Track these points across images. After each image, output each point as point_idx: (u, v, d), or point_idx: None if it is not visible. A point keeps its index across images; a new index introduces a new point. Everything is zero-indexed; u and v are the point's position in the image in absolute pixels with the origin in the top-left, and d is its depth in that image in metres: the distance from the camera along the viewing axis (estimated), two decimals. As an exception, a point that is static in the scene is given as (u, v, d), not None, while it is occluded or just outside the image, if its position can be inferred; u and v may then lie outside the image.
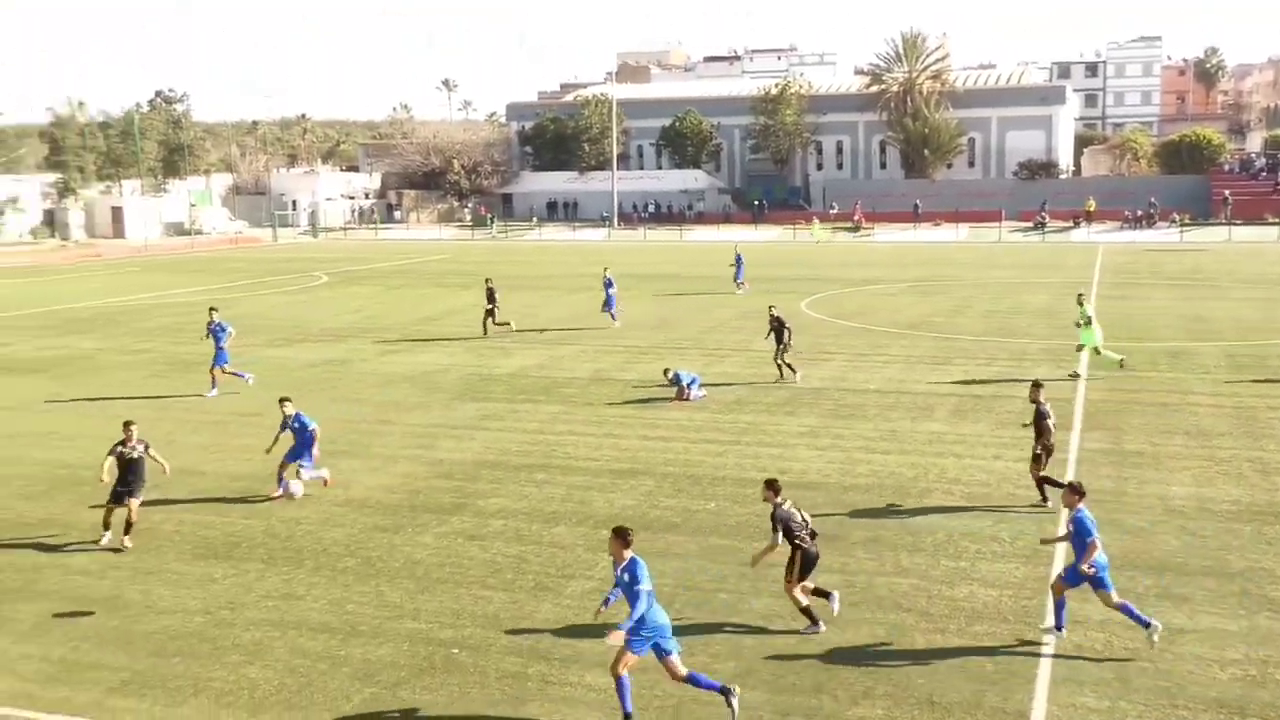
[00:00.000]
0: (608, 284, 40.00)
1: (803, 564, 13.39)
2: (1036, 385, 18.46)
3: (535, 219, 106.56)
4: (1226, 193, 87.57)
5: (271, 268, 67.19)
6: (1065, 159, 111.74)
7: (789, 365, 29.06)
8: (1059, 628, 13.25)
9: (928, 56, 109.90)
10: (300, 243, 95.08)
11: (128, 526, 16.67)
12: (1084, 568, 12.77)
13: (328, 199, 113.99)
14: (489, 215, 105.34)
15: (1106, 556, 13.13)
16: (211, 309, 29.48)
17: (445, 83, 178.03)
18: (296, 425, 18.96)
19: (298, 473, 18.94)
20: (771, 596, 14.65)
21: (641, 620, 11.36)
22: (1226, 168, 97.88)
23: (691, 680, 11.52)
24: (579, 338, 37.49)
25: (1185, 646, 13.02)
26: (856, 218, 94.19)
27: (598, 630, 13.64)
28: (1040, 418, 18.08)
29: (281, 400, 19.46)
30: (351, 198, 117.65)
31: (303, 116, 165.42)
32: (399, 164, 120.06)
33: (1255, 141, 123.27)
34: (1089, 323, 29.38)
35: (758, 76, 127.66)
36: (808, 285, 53.18)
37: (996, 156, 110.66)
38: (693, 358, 33.13)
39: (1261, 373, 28.87)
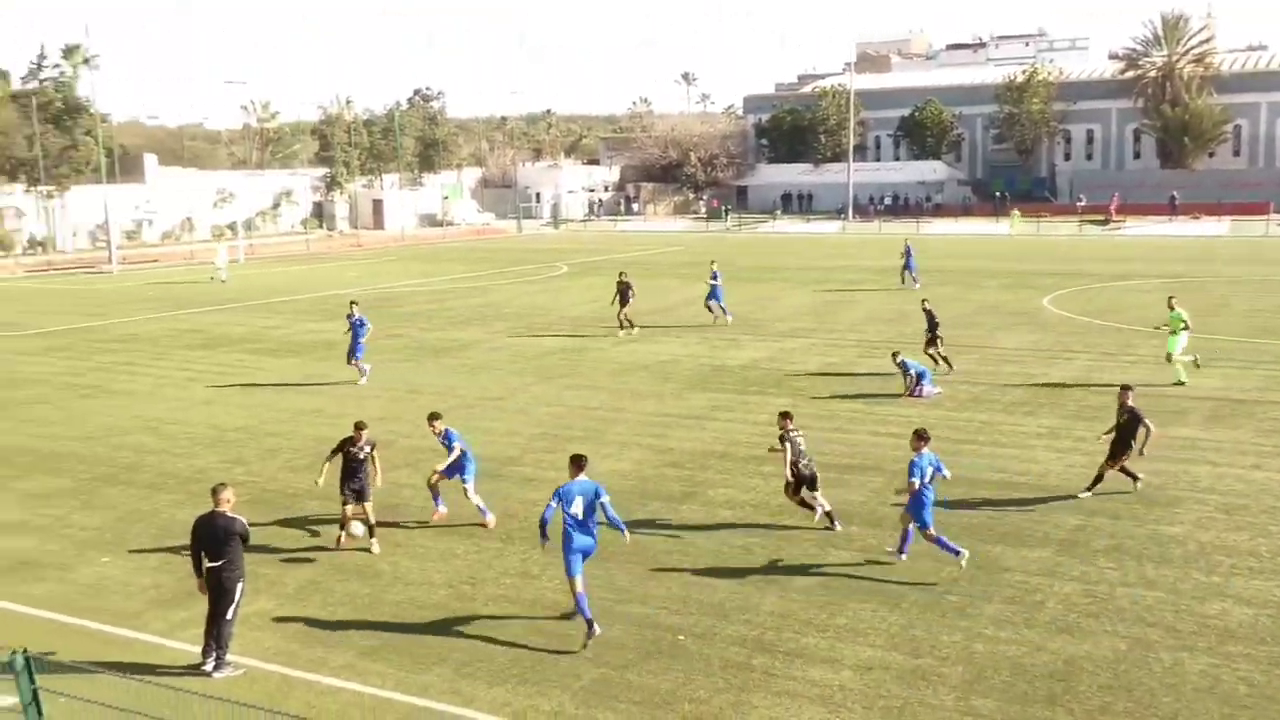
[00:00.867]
0: (714, 276, 38.85)
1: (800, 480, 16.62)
2: (1125, 388, 18.19)
3: (777, 210, 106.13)
4: None
5: (515, 257, 69.63)
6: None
7: (944, 357, 28.99)
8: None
9: (1190, 39, 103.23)
10: (542, 234, 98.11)
11: (370, 529, 16.31)
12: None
13: (569, 191, 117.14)
14: (724, 208, 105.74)
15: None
16: (353, 302, 29.87)
17: (684, 76, 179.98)
18: (445, 443, 17.22)
19: (465, 492, 17.36)
20: (1004, 602, 14.16)
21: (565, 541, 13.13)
22: None
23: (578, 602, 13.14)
24: (810, 331, 37.19)
25: None
26: (1113, 210, 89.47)
27: (823, 625, 13.53)
28: (1133, 421, 17.79)
29: (431, 417, 17.45)
30: (591, 190, 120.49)
31: (548, 112, 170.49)
32: (637, 157, 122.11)
33: None
34: (1183, 328, 27.25)
35: (1002, 64, 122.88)
36: (1052, 281, 50.95)
37: (1265, 144, 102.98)
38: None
39: None
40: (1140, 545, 16.02)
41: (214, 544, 12.43)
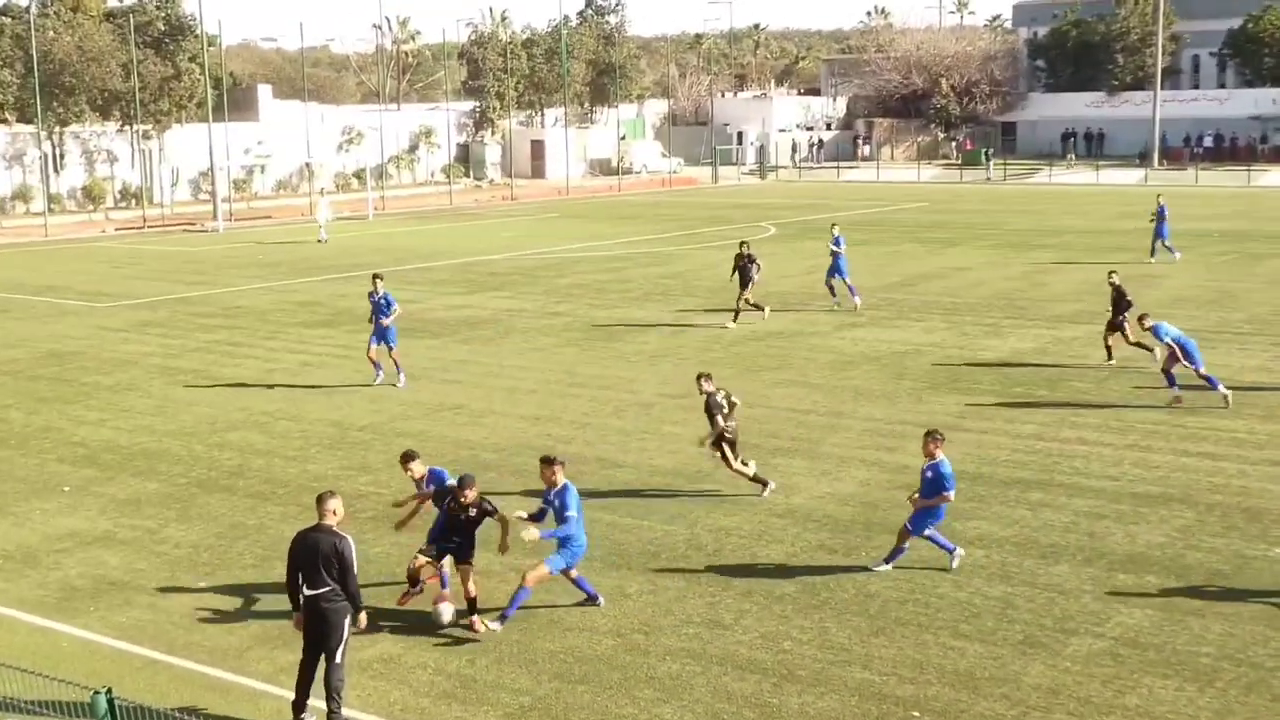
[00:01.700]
0: (836, 243, 37.57)
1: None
2: None
3: (1070, 157, 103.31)
4: None
5: (710, 215, 69.95)
6: None
7: (1108, 346, 29.14)
8: None
9: None
10: (744, 185, 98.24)
11: (471, 604, 15.41)
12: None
13: (780, 130, 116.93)
14: (985, 151, 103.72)
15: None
16: (376, 276, 29.07)
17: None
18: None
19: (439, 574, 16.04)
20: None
21: (567, 541, 15.28)
22: None
23: (577, 584, 15.77)
24: (1096, 316, 36.11)
25: None
26: None
27: (1107, 705, 13.16)
28: None
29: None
30: (809, 129, 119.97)
31: (756, 27, 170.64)
32: (870, 85, 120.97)
33: None
34: None
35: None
36: None
37: None
38: (1256, 345, 31.03)
39: None
40: None
41: (314, 567, 12.69)
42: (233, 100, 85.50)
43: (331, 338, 34.50)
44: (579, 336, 34.18)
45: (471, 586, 15.37)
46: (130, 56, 74.37)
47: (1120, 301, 28.87)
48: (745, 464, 20.32)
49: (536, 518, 15.88)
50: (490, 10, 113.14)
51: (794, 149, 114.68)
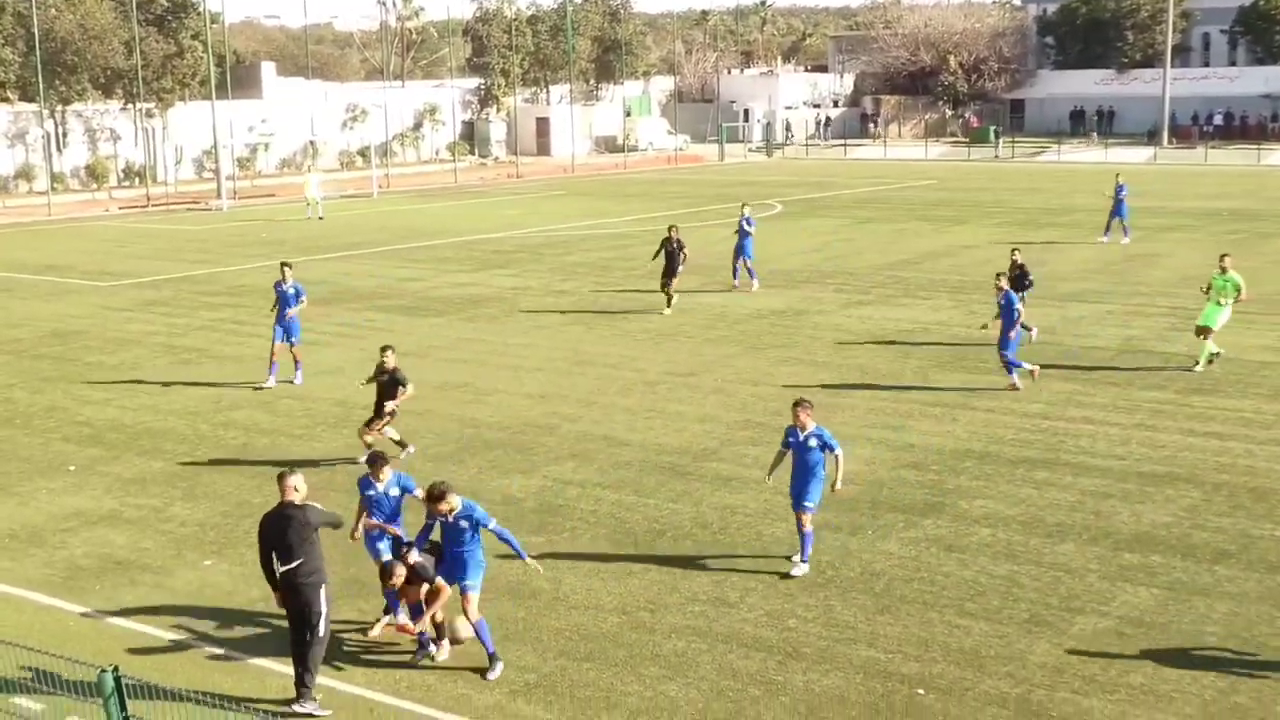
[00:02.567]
0: (747, 222, 37.33)
1: None
2: None
3: (1092, 132, 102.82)
4: None
5: (716, 193, 69.88)
6: None
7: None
8: None
9: None
10: (750, 162, 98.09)
11: (439, 630, 14.36)
12: None
13: (787, 107, 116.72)
14: (993, 128, 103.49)
15: None
16: (285, 265, 27.48)
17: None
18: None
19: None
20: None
21: (470, 556, 13.79)
22: None
23: (477, 629, 13.77)
24: (1105, 294, 36.17)
25: None
26: None
27: (1112, 684, 13.23)
28: None
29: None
30: (816, 106, 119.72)
31: (762, 4, 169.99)
32: (878, 62, 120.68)
33: None
34: (1224, 298, 26.25)
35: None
36: None
37: None
38: (1264, 324, 31.04)
39: None
40: None
41: (284, 544, 12.98)
42: (236, 78, 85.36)
43: (333, 316, 34.53)
44: (584, 314, 34.22)
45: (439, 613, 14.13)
46: (132, 34, 74.31)
47: (1022, 279, 28.82)
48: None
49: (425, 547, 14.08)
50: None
51: (817, 126, 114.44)
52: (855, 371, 27.22)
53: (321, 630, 13.00)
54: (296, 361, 27.13)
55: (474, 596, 13.80)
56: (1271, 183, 72.42)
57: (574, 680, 13.59)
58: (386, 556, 14.62)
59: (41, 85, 69.65)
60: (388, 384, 20.84)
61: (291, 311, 26.71)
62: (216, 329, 33.17)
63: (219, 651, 14.39)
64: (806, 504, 16.22)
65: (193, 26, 78.74)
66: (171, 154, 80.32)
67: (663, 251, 34.22)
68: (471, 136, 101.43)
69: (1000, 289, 25.28)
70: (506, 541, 14.11)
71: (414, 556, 13.87)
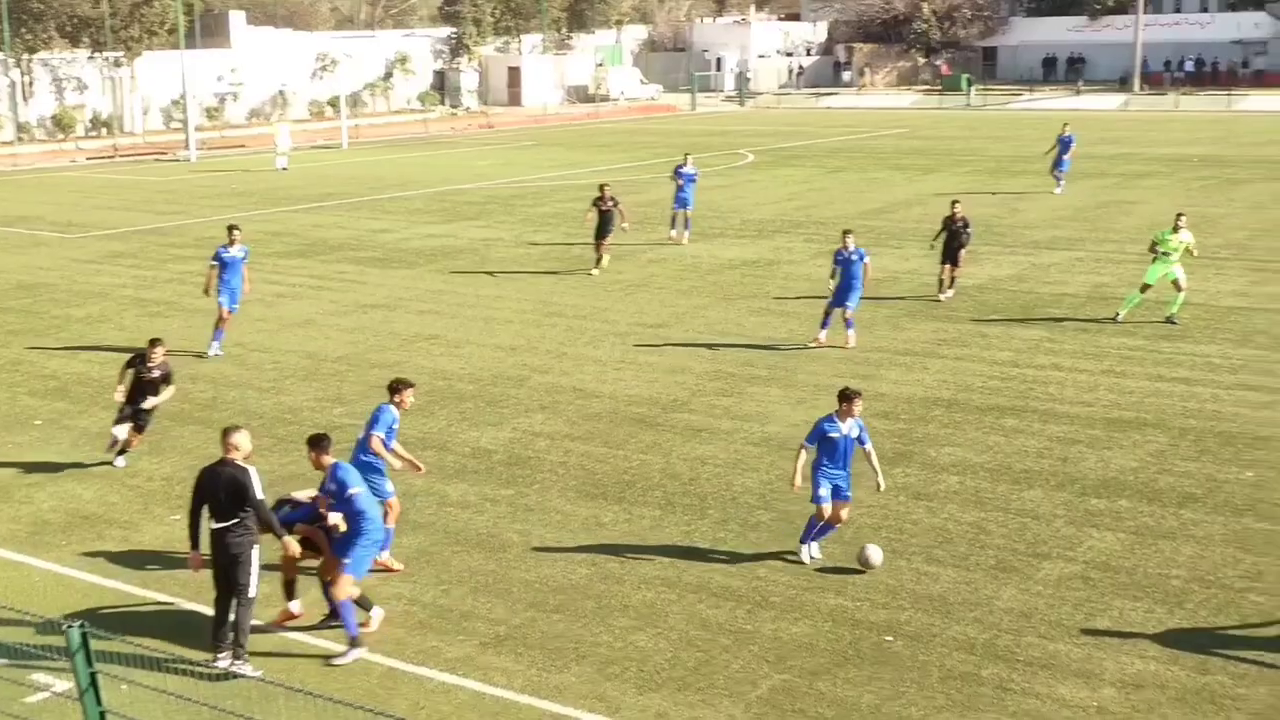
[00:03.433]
0: (679, 174, 37.03)
1: None
2: None
3: (1080, 82, 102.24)
4: None
5: (689, 142, 69.49)
6: None
7: (945, 281, 28.86)
8: None
9: None
10: (722, 112, 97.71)
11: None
12: None
13: (760, 56, 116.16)
14: (966, 77, 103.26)
15: None
16: (232, 228, 25.85)
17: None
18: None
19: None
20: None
21: (361, 529, 12.96)
22: None
23: (337, 609, 13.05)
24: (1075, 242, 36.22)
25: None
26: None
27: (1078, 627, 13.32)
28: None
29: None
30: (789, 54, 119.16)
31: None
32: (851, 10, 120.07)
33: None
34: (1168, 253, 26.05)
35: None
36: None
37: None
38: (1234, 271, 31.14)
39: None
40: None
41: (218, 501, 12.77)
42: (204, 27, 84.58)
43: (305, 268, 34.33)
44: (556, 265, 34.09)
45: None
46: (99, -18, 73.36)
47: (962, 233, 28.62)
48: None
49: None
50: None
51: (789, 75, 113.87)
52: (826, 320, 27.20)
53: (251, 591, 12.81)
54: (219, 329, 25.36)
55: (345, 574, 12.97)
56: (1241, 129, 72.55)
57: (544, 632, 13.60)
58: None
59: (7, 33, 68.81)
60: (154, 381, 18.50)
61: (236, 284, 25.22)
62: (185, 281, 32.88)
63: (186, 606, 14.33)
64: (849, 494, 15.34)
65: (159, -26, 77.71)
66: (139, 104, 79.46)
67: (595, 210, 32.79)
68: (442, 86, 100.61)
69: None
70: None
71: (332, 518, 13.12)
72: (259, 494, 12.77)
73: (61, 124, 75.97)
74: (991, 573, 14.80)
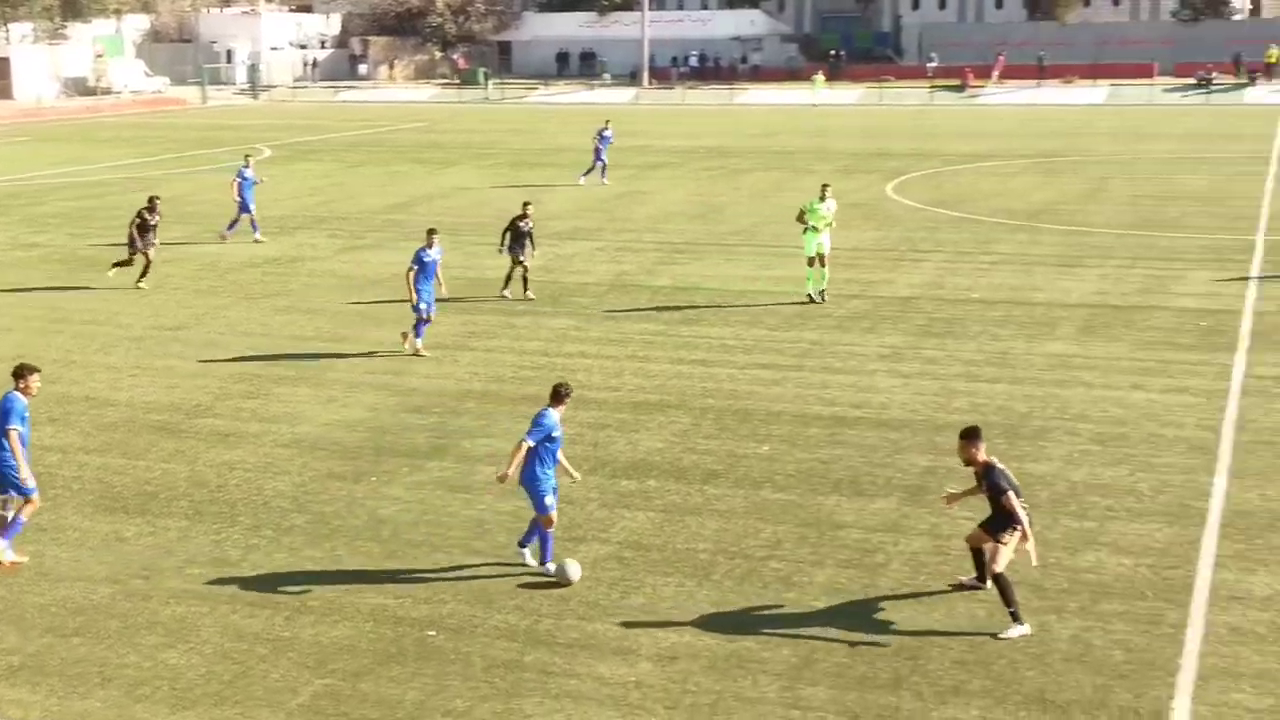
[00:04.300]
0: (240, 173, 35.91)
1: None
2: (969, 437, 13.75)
3: (607, 75, 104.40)
4: None
5: (201, 137, 67.27)
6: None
7: (512, 279, 28.20)
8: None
9: None
10: (236, 105, 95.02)
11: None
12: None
13: (273, 49, 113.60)
14: (482, 71, 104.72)
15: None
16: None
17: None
18: None
19: None
20: (839, 566, 14.71)
21: None
22: None
23: None
24: (595, 232, 37.43)
25: (1375, 634, 13.00)
26: (996, 73, 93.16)
27: (614, 607, 13.77)
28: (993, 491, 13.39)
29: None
30: (303, 47, 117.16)
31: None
32: (365, 2, 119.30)
33: None
34: (816, 228, 27.01)
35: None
36: (898, 163, 52.72)
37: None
38: (743, 256, 33.04)
39: None
40: (1001, 489, 16.88)
41: None
42: None
43: None
44: (61, 268, 32.18)
45: None
46: None
47: (529, 234, 28.00)
48: None
49: None
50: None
51: (310, 68, 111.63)
52: (355, 318, 26.97)
53: None
54: None
55: None
56: (744, 121, 77.12)
57: (63, 657, 12.80)
58: None
59: None
60: None
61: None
62: None
63: None
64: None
65: None
66: None
67: (135, 225, 29.40)
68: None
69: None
70: None
71: None
72: None
73: None
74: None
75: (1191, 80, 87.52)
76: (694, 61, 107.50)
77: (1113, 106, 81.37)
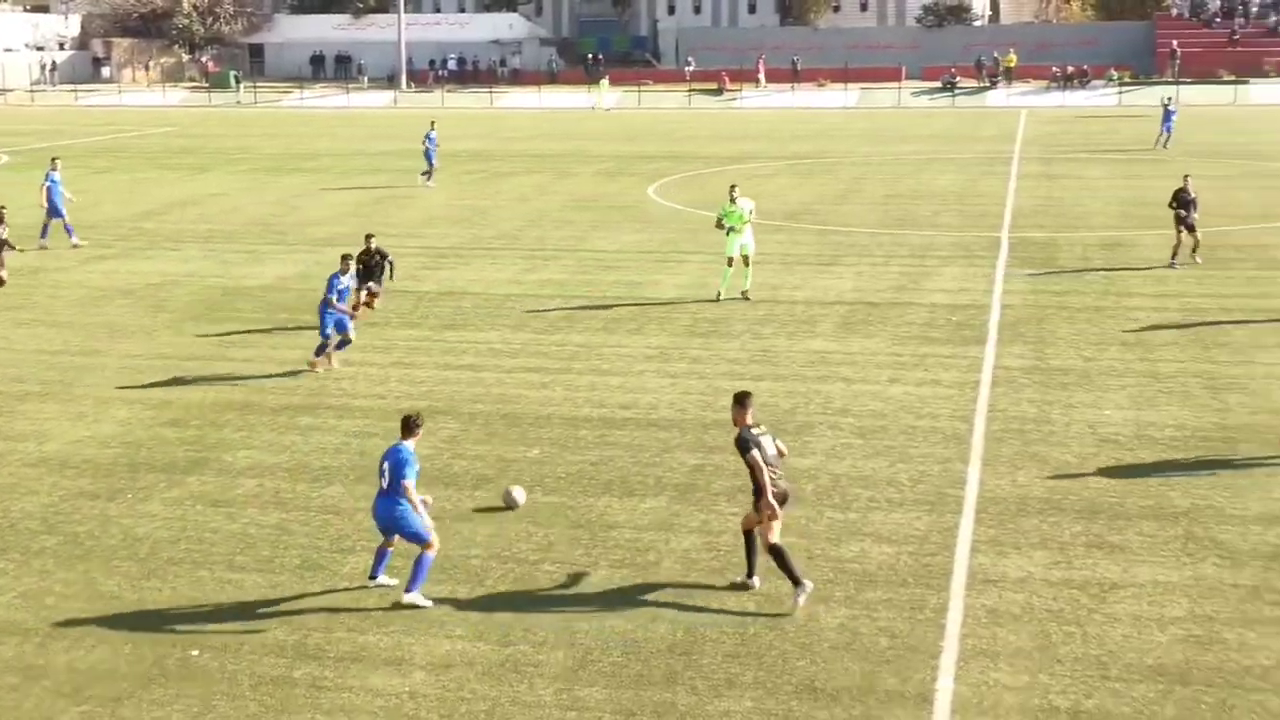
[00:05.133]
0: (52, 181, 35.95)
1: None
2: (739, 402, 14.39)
3: (365, 79, 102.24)
4: (1175, 44, 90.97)
5: (-70, 145, 64.06)
6: (980, 1, 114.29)
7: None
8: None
9: None
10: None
11: None
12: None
13: (7, 50, 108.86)
14: (233, 73, 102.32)
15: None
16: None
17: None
18: None
19: None
20: (611, 566, 14.84)
21: None
22: (1174, 12, 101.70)
23: None
24: (358, 239, 36.86)
25: (1119, 605, 13.71)
26: (761, 75, 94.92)
27: (385, 618, 13.63)
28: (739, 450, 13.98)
29: None
30: (40, 49, 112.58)
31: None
32: (106, 3, 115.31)
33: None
34: (736, 229, 27.50)
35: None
36: (659, 165, 53.41)
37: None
38: (508, 260, 33.04)
39: (1213, 265, 30.27)
40: (768, 484, 17.27)
41: None
42: None
43: None
44: None
45: None
46: None
47: (381, 264, 26.38)
48: None
49: None
50: None
51: (49, 70, 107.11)
52: (103, 330, 26.09)
53: None
54: None
55: None
56: (504, 125, 77.07)
57: None
58: None
59: None
60: None
61: None
62: None
63: None
64: None
65: None
66: None
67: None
68: None
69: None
70: None
71: None
72: None
73: None
74: (298, 573, 14.81)
75: (937, 84, 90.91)
76: (453, 64, 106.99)
77: (864, 109, 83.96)
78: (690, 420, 20.08)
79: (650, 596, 14.06)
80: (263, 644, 13.12)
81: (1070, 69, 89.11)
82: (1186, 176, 31.10)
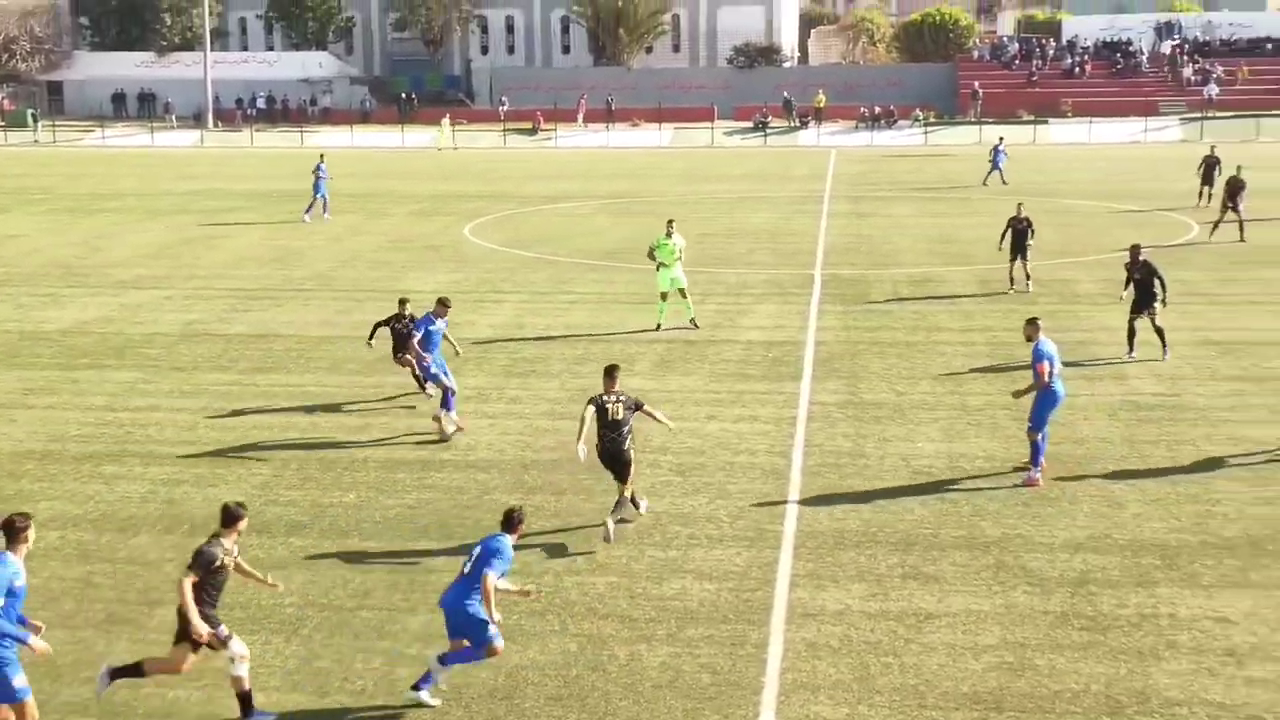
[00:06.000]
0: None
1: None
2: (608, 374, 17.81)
3: (173, 118, 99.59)
4: (976, 85, 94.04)
5: None
6: (790, 43, 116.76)
7: None
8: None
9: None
10: None
11: None
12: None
13: None
14: (31, 112, 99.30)
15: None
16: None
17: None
18: None
19: None
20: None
21: None
22: (976, 54, 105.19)
23: None
24: (163, 280, 36.05)
25: (935, 634, 14.02)
26: (581, 114, 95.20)
27: (196, 670, 13.22)
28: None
29: None
30: None
31: None
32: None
33: (1007, 23, 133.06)
34: (667, 261, 28.40)
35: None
36: (474, 205, 53.26)
37: (707, 40, 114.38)
38: (321, 302, 32.58)
39: (1017, 300, 31.26)
40: (587, 522, 17.26)
41: None
42: None
43: None
44: None
45: None
46: None
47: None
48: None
49: None
50: None
51: None
52: (-108, 378, 24.96)
53: None
54: None
55: None
56: (311, 163, 75.91)
57: None
58: None
59: None
60: None
61: None
62: None
63: None
64: None
65: None
66: None
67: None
68: None
69: None
70: None
71: None
72: None
73: None
74: (103, 627, 14.34)
75: (749, 123, 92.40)
76: (261, 103, 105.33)
77: (678, 149, 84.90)
78: (509, 461, 20.00)
79: (471, 641, 13.93)
80: (67, 703, 12.68)
81: (878, 109, 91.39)
82: (1020, 204, 33.38)
